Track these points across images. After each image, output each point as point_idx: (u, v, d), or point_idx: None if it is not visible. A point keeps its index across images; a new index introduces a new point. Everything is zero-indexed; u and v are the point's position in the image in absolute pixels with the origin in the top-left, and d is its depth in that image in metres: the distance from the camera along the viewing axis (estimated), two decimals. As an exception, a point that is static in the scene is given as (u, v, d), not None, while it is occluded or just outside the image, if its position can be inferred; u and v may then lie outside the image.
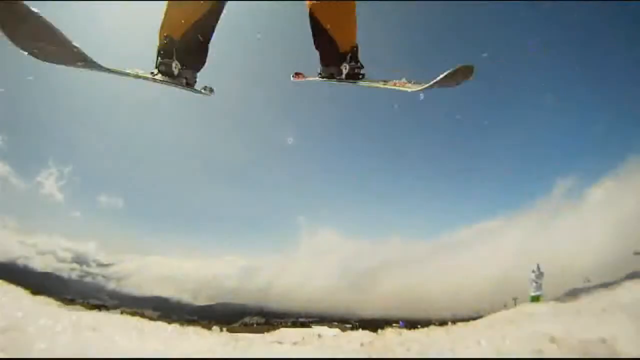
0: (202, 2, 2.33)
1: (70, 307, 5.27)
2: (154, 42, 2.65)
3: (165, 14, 2.38)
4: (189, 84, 2.66)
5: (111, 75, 2.68)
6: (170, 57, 2.46)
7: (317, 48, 2.85)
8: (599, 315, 4.15)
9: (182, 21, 2.35)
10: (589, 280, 7.14)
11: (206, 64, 2.73)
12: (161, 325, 5.39)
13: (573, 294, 5.75)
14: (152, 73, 2.59)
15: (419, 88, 2.61)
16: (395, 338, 4.84)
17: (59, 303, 5.29)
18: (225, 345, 4.76)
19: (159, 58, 2.54)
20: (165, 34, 2.44)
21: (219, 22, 2.52)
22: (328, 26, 2.53)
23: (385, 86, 2.74)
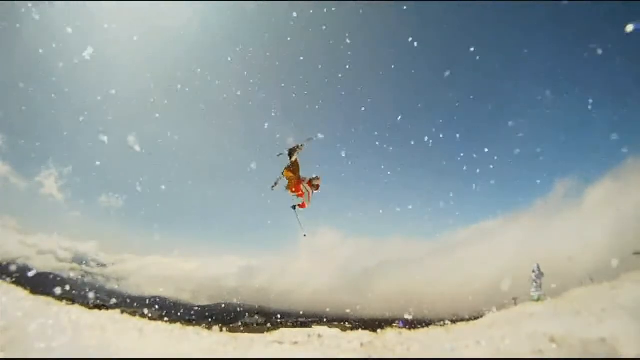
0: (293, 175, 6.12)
1: (70, 307, 5.26)
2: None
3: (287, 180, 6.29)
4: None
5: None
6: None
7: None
8: (599, 315, 4.14)
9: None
10: (589, 280, 7.14)
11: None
12: (161, 325, 5.39)
13: (573, 294, 5.75)
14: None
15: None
16: (395, 338, 4.84)
17: (59, 303, 5.29)
18: (225, 345, 4.76)
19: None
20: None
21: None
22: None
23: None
